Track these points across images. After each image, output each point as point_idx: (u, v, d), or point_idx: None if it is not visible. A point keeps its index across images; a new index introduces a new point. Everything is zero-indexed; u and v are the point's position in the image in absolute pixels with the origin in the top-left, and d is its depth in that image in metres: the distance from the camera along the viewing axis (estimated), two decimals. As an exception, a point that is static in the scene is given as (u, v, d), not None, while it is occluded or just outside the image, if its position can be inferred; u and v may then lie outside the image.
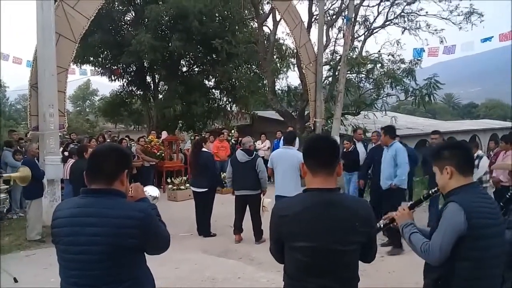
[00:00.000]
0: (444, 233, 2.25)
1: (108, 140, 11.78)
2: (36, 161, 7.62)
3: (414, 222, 2.53)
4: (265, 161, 7.48)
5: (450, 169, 2.36)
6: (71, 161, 7.80)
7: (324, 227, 1.98)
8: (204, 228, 7.65)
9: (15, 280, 5.17)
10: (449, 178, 2.37)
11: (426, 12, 15.58)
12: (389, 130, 6.89)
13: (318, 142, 2.19)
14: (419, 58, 13.75)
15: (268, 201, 6.97)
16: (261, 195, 7.17)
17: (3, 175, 3.85)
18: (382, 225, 2.63)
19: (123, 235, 1.91)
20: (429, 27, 15.56)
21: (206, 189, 7.56)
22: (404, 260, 5.94)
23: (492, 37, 10.87)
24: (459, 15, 15.08)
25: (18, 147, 9.56)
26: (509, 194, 2.97)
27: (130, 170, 2.21)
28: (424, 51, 13.44)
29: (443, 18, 15.27)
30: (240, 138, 13.61)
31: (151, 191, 2.59)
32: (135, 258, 2.01)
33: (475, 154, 7.72)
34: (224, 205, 8.44)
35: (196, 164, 7.60)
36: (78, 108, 39.38)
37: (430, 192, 2.64)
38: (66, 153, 9.07)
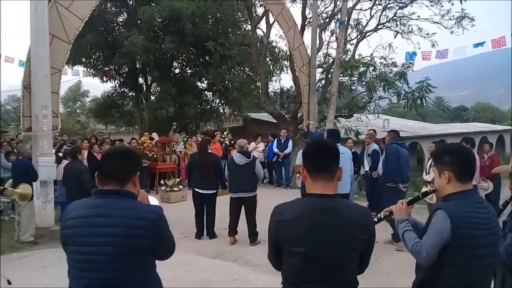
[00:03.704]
0: (431, 238, 2.30)
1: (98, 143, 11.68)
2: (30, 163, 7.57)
3: (410, 218, 2.57)
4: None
5: (448, 175, 2.36)
6: (65, 162, 7.75)
7: (322, 233, 1.95)
8: (210, 229, 7.63)
9: (9, 282, 5.12)
10: (447, 183, 2.38)
11: (418, 16, 15.76)
12: (330, 134, 7.44)
13: (318, 147, 2.15)
14: (411, 62, 13.89)
15: None
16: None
17: (7, 189, 3.80)
18: (382, 216, 2.70)
19: (136, 236, 1.91)
20: (421, 31, 15.75)
21: (215, 191, 7.55)
22: (399, 261, 5.97)
23: (484, 42, 10.97)
24: (450, 19, 15.28)
25: (10, 148, 9.47)
26: (509, 197, 3.02)
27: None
28: (416, 54, 13.58)
29: (435, 22, 15.44)
30: (233, 141, 13.59)
31: (151, 201, 2.57)
32: (146, 261, 2.01)
33: None
34: (217, 207, 8.41)
35: (205, 166, 7.45)
36: (68, 109, 39.11)
37: (428, 190, 2.70)
38: (60, 154, 9.01)
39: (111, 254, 1.89)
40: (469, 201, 2.34)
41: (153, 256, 2.06)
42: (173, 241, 2.15)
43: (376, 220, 2.72)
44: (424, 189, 4.64)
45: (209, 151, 7.86)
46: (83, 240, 1.93)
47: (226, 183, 7.62)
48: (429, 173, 7.77)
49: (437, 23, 15.49)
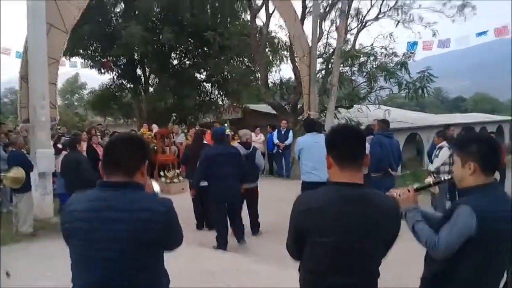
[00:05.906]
0: (452, 233, 2.19)
1: (99, 135, 11.57)
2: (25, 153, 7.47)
3: (418, 207, 2.44)
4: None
5: (474, 166, 2.23)
6: (63, 154, 7.66)
7: (351, 223, 1.91)
8: (209, 220, 7.50)
9: (8, 274, 5.04)
10: (470, 174, 2.26)
11: (420, 5, 15.65)
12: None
13: (345, 132, 2.08)
14: (412, 51, 13.77)
15: None
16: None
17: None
18: None
19: (147, 229, 1.79)
20: (422, 20, 15.61)
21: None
22: (410, 250, 5.88)
23: (487, 31, 10.81)
24: (452, 8, 15.17)
25: (7, 140, 9.37)
26: None
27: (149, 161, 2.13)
28: (417, 44, 13.48)
29: (436, 11, 15.33)
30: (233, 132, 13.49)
31: (154, 187, 2.48)
32: (156, 255, 1.90)
33: (439, 145, 7.72)
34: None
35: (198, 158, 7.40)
36: (66, 102, 38.90)
37: (442, 178, 2.62)
38: (59, 146, 8.91)
39: (122, 249, 1.78)
40: (494, 195, 2.24)
41: (162, 249, 1.95)
42: (181, 232, 2.06)
43: None
44: (428, 179, 4.55)
45: (204, 142, 7.73)
46: (90, 235, 1.80)
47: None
48: (432, 162, 7.71)
49: (439, 11, 15.40)
